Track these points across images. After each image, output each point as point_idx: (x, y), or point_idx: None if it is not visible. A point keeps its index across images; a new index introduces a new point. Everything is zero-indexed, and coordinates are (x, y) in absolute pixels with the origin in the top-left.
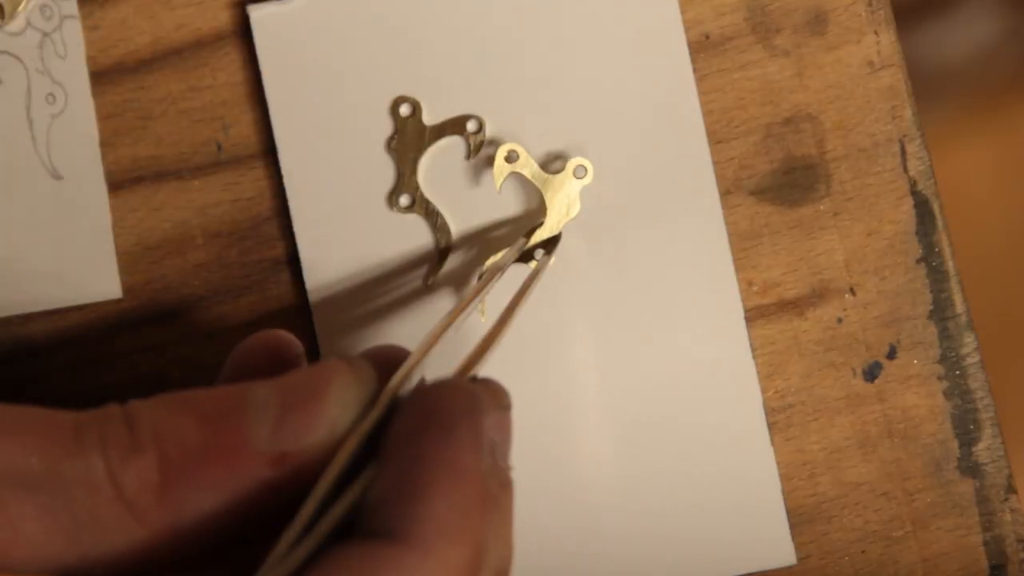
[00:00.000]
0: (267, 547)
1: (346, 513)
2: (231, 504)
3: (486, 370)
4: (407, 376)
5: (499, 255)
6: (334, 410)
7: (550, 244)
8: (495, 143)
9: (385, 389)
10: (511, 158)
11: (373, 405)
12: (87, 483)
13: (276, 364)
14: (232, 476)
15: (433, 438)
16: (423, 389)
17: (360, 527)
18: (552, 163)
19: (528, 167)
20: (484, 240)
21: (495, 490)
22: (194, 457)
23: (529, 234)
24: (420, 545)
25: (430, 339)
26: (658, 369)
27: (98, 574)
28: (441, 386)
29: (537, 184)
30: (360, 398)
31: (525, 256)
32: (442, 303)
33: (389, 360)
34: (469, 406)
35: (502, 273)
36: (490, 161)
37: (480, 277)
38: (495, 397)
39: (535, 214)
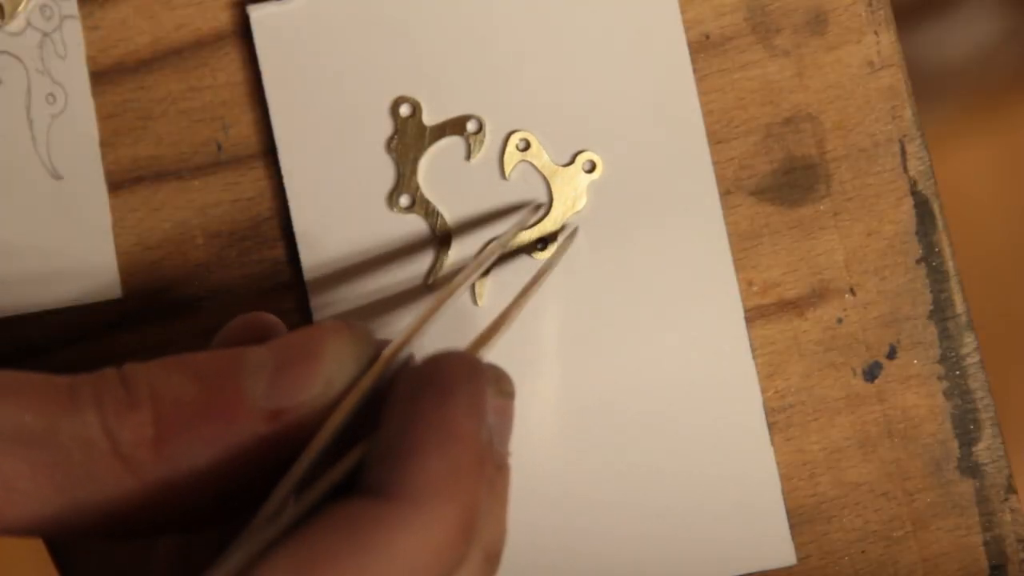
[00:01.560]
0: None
1: (344, 476)
2: (226, 460)
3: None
4: (405, 343)
5: (500, 236)
6: (330, 367)
7: (558, 235)
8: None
9: (382, 355)
10: (522, 146)
11: (370, 368)
12: (82, 439)
13: (263, 339)
14: (227, 432)
15: (431, 399)
16: (427, 358)
17: (356, 488)
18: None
19: (539, 157)
20: (484, 240)
21: (491, 468)
22: (189, 413)
23: (532, 218)
24: (411, 501)
25: (427, 311)
26: (658, 369)
27: (94, 528)
28: (445, 354)
29: (546, 175)
30: (356, 356)
31: (529, 248)
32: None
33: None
34: (470, 373)
35: (502, 250)
36: (498, 154)
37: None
38: (498, 382)
39: (537, 213)
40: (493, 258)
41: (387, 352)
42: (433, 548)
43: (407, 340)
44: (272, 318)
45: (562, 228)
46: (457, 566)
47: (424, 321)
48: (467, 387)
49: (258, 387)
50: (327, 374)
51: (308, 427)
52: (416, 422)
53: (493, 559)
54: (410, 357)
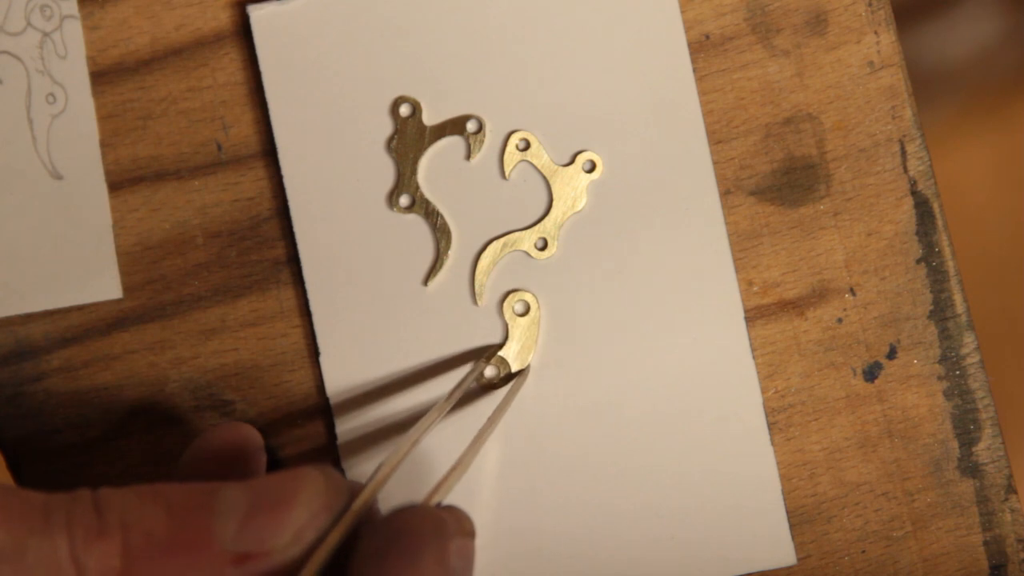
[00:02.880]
0: None
1: None
2: None
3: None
4: (375, 492)
5: (460, 381)
6: (302, 516)
7: (516, 375)
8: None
9: (352, 508)
10: (522, 146)
11: (341, 520)
12: (49, 562)
13: (237, 458)
14: (193, 570)
15: (399, 561)
16: (393, 512)
17: None
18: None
19: (539, 157)
20: (484, 240)
21: None
22: (158, 547)
23: (488, 357)
24: None
25: (396, 456)
26: (658, 369)
27: None
28: (409, 510)
29: (546, 175)
30: (329, 506)
31: (529, 248)
32: (442, 303)
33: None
34: (435, 531)
35: (461, 392)
36: (498, 154)
37: (449, 396)
38: (459, 523)
39: (538, 211)
40: (453, 402)
41: (357, 505)
42: None
43: (377, 489)
44: (249, 431)
45: (518, 373)
46: None
47: (392, 469)
48: (433, 546)
49: (228, 529)
50: (298, 523)
51: (274, 574)
52: None
53: None
54: (374, 504)
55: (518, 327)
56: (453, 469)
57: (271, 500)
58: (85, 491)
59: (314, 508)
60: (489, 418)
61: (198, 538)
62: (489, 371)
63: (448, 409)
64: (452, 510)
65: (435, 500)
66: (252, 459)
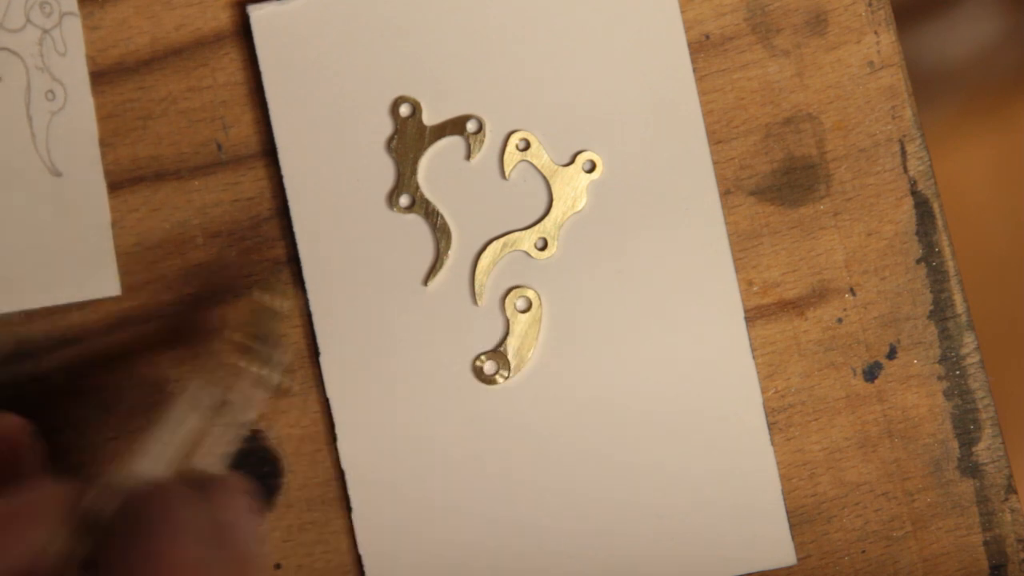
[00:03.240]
0: None
1: None
2: None
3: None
4: (108, 490)
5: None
6: (39, 540)
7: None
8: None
9: (81, 513)
10: (522, 146)
11: (78, 525)
12: None
13: (7, 451)
14: None
15: (133, 543)
16: (122, 503)
17: None
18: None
19: (539, 157)
20: (484, 240)
21: (231, 570)
22: None
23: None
24: None
25: (130, 456)
26: (658, 368)
27: None
28: (134, 493)
29: (546, 175)
30: (66, 518)
31: (529, 248)
32: (442, 303)
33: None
34: (162, 504)
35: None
36: (498, 154)
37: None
38: (223, 485)
39: (538, 211)
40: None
41: (82, 520)
42: None
43: (104, 491)
44: (9, 422)
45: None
46: None
47: (120, 476)
48: (163, 516)
49: None
50: (37, 547)
51: None
52: (128, 569)
53: None
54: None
55: (519, 323)
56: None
57: (5, 524)
58: None
59: (52, 526)
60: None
61: None
62: (488, 367)
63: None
64: (210, 478)
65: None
66: (21, 452)
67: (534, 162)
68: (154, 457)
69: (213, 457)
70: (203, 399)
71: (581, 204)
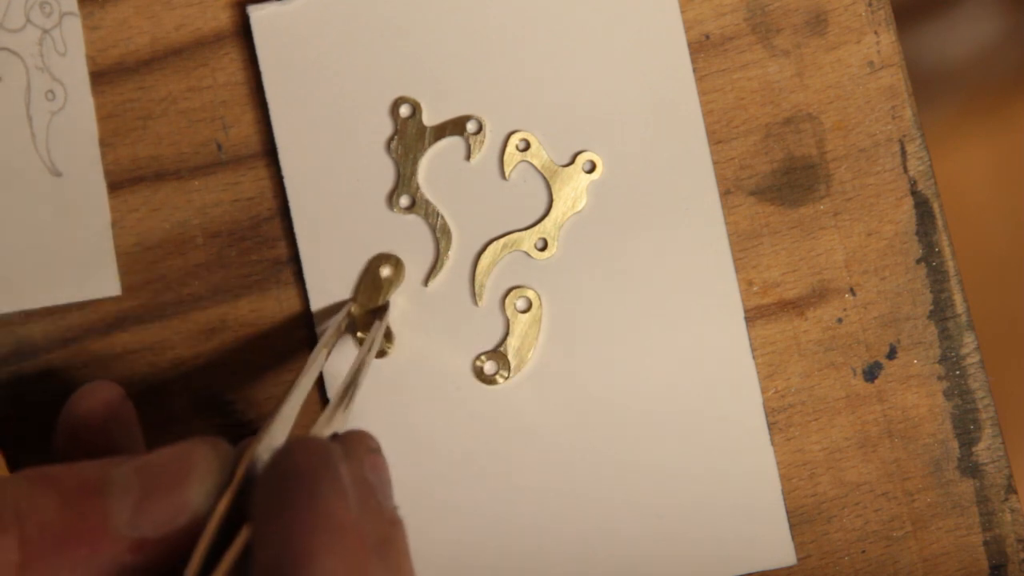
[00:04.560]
0: None
1: None
2: None
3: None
4: (262, 445)
5: (328, 331)
6: (196, 498)
7: (381, 311)
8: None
9: (237, 471)
10: (522, 147)
11: (231, 481)
12: None
13: (109, 421)
14: (93, 559)
15: (296, 506)
16: (276, 456)
17: None
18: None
19: (539, 157)
20: (484, 240)
21: (382, 531)
22: (55, 538)
23: (349, 311)
24: None
25: (282, 406)
26: (658, 368)
27: None
28: (290, 447)
29: (546, 175)
30: (220, 481)
31: (529, 248)
32: (442, 303)
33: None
34: (323, 461)
35: (335, 343)
36: (498, 155)
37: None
38: (361, 443)
39: (538, 211)
40: (326, 354)
41: (240, 472)
42: None
43: (256, 447)
44: (111, 390)
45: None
46: None
47: (270, 424)
48: (326, 477)
49: (123, 514)
50: (193, 505)
51: (174, 552)
52: (293, 529)
53: None
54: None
55: (519, 323)
56: (341, 397)
57: (164, 481)
58: None
59: (208, 487)
60: (356, 357)
61: (93, 526)
62: (488, 367)
63: (325, 358)
64: (349, 434)
65: (327, 432)
66: (123, 418)
67: (534, 162)
68: (294, 414)
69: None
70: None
71: (581, 204)
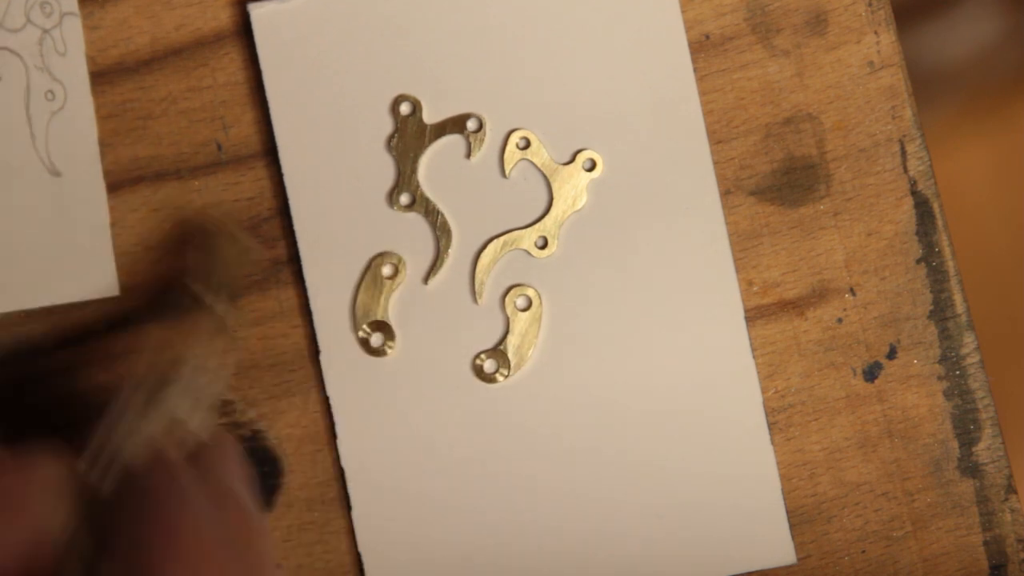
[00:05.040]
0: None
1: None
2: None
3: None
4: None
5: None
6: (38, 518)
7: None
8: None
9: (80, 489)
10: (522, 145)
11: (78, 501)
12: None
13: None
14: None
15: (144, 518)
16: (123, 472)
17: None
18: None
19: (539, 155)
20: (484, 238)
21: (239, 536)
22: None
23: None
24: None
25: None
26: (658, 368)
27: None
28: (139, 465)
29: (546, 173)
30: (66, 493)
31: (529, 246)
32: (442, 302)
33: None
34: (164, 475)
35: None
36: (498, 153)
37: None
38: (214, 450)
39: (538, 210)
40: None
41: (80, 490)
42: None
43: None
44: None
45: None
46: None
47: (114, 432)
48: (169, 494)
49: None
50: (35, 526)
51: (22, 571)
52: (141, 544)
53: None
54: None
55: (519, 322)
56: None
57: (2, 505)
58: None
59: (51, 502)
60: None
61: None
62: (488, 366)
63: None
64: (200, 443)
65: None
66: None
67: (534, 160)
68: (138, 424)
69: (196, 420)
70: (162, 362)
71: (581, 203)
